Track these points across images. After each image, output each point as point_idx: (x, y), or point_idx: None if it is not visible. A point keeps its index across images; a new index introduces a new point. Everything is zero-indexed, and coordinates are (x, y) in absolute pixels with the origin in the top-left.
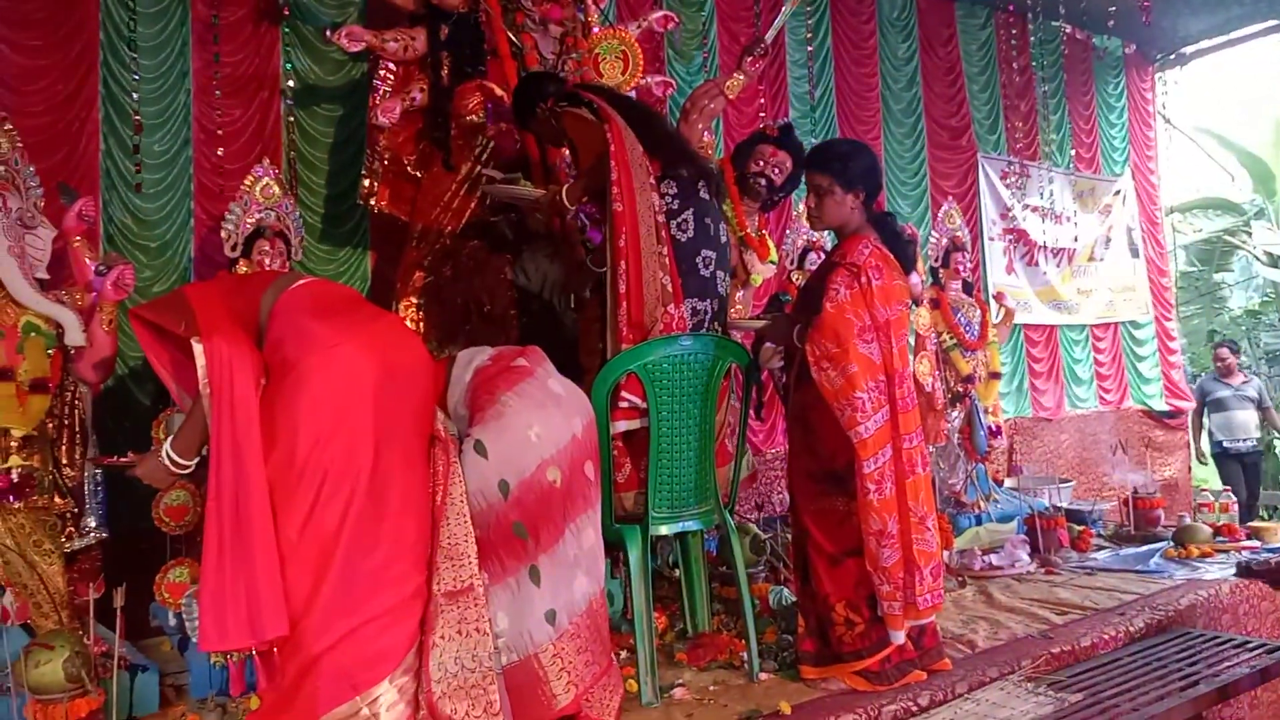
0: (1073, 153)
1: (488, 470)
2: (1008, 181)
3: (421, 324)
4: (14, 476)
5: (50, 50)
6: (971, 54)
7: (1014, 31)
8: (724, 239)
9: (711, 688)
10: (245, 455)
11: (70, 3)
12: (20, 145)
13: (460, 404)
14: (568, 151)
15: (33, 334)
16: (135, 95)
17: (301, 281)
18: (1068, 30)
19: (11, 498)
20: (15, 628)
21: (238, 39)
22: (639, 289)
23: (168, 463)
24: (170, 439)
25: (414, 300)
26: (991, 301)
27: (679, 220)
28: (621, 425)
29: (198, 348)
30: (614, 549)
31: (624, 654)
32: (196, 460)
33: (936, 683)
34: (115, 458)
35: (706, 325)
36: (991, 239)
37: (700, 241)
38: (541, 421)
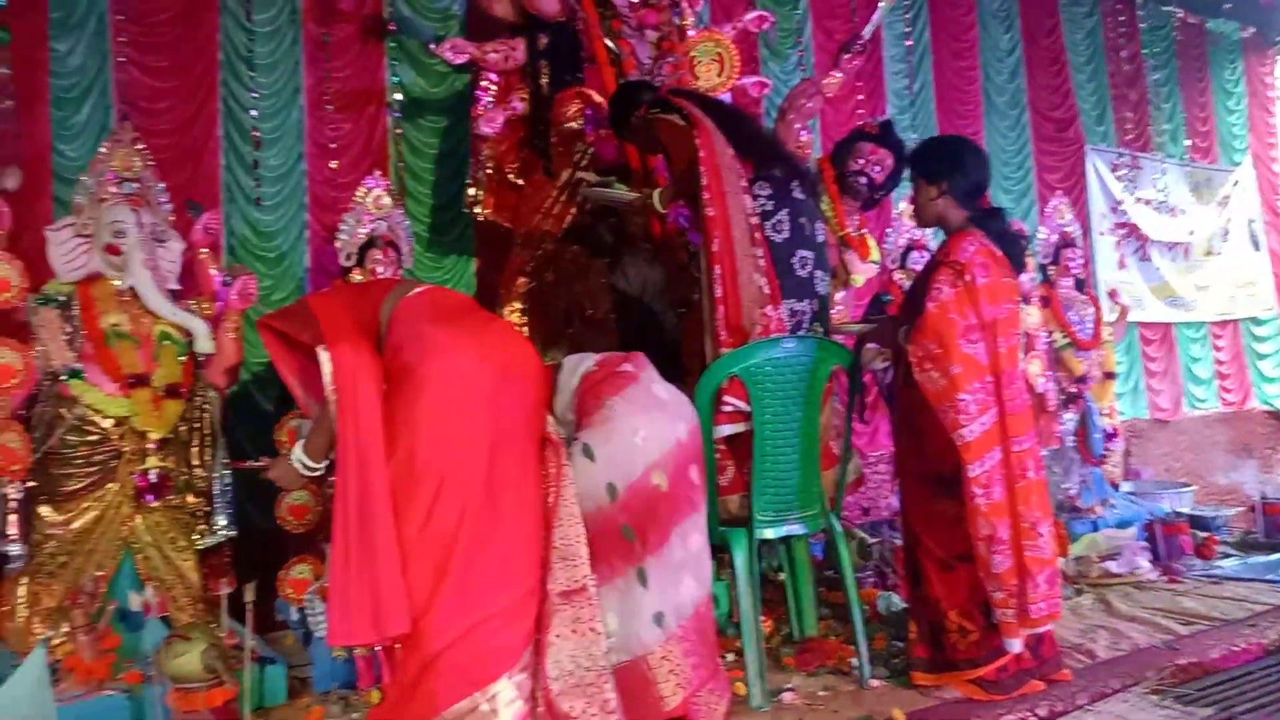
0: (1188, 143)
1: (595, 473)
2: (1118, 174)
3: (525, 328)
4: (152, 477)
5: (175, 72)
6: (1077, 43)
7: (1122, 19)
8: (821, 238)
9: (821, 693)
10: (369, 459)
11: (193, 25)
12: (151, 163)
13: (567, 409)
14: (663, 157)
15: (166, 342)
16: (254, 112)
17: (419, 289)
18: (1179, 15)
19: (150, 497)
20: (155, 620)
21: (346, 55)
22: (735, 292)
23: (298, 466)
24: (300, 443)
25: (517, 305)
26: (1105, 299)
27: (773, 221)
28: (725, 429)
29: (323, 355)
30: (719, 552)
31: (730, 657)
32: (325, 463)
33: (1055, 693)
34: (249, 461)
35: (806, 326)
36: (1101, 234)
37: (796, 242)
38: (647, 426)
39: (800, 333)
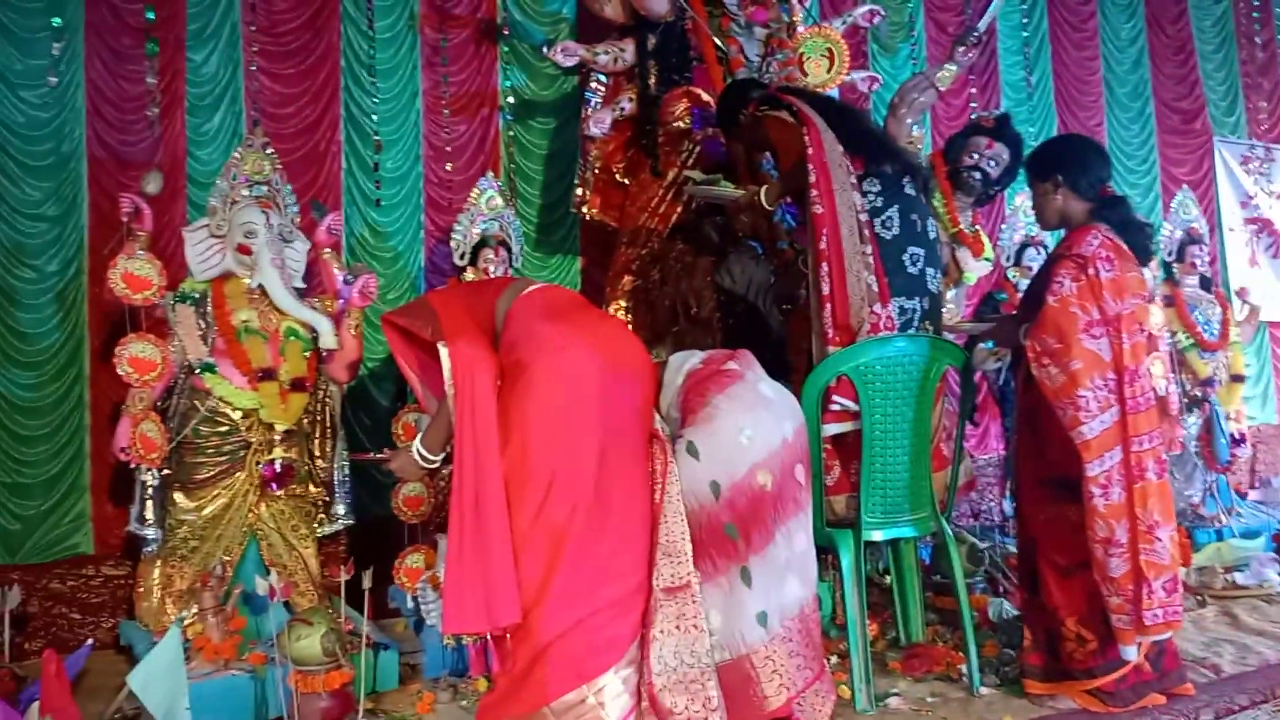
0: None
1: (699, 471)
2: (1249, 167)
3: (630, 326)
4: (277, 467)
5: (300, 78)
6: (1205, 30)
7: (1255, 3)
8: (934, 235)
9: (929, 699)
10: (484, 453)
11: (316, 32)
12: (279, 167)
13: (673, 407)
14: (769, 155)
15: (292, 338)
16: (374, 116)
17: (534, 287)
18: None
19: (274, 486)
20: (278, 604)
21: (461, 59)
22: (843, 290)
23: (417, 458)
24: (419, 436)
25: (623, 303)
26: (1233, 298)
27: (883, 218)
28: (832, 429)
29: (443, 351)
30: (824, 553)
31: (834, 660)
32: (442, 455)
33: (1177, 708)
34: (371, 454)
35: (916, 324)
36: (1231, 230)
37: (906, 239)
38: (752, 424)
39: (911, 331)
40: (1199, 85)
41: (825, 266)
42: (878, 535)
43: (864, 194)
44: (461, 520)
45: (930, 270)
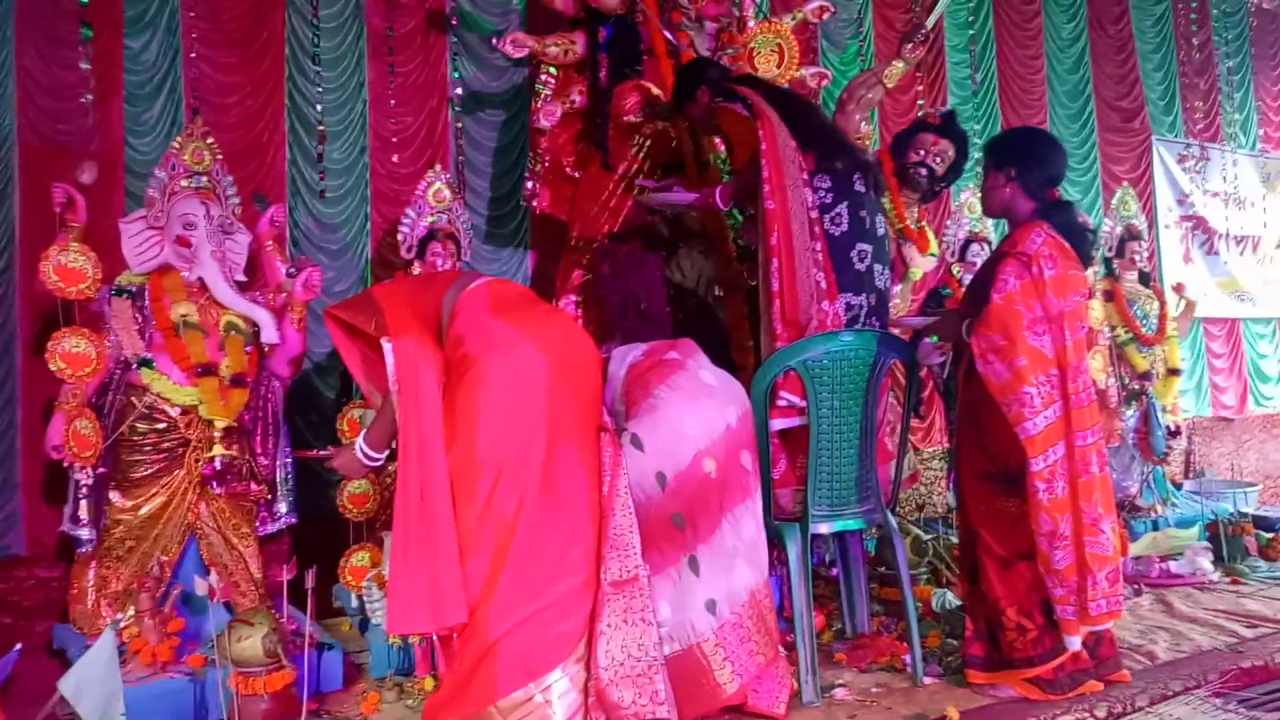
0: (1260, 132)
1: (645, 463)
2: (1185, 165)
3: (580, 320)
4: (217, 464)
5: (243, 67)
6: (1145, 31)
7: (1194, 4)
8: (882, 232)
9: (874, 690)
10: (430, 449)
11: (260, 20)
12: (220, 157)
13: (617, 400)
14: (720, 144)
15: (232, 332)
16: (318, 106)
17: (480, 281)
18: (1254, 1)
19: (215, 484)
20: (218, 604)
21: (409, 49)
22: (793, 286)
23: (361, 455)
24: (363, 433)
25: (573, 298)
26: (1170, 293)
27: (832, 214)
28: (779, 424)
29: (387, 346)
30: (772, 547)
31: (781, 652)
32: (387, 453)
33: (1114, 694)
34: (315, 451)
35: (863, 320)
36: (1167, 226)
37: (855, 235)
38: (694, 413)
39: (857, 326)
40: (1138, 85)
41: (775, 262)
42: (824, 528)
43: (815, 190)
44: (407, 518)
45: (878, 267)
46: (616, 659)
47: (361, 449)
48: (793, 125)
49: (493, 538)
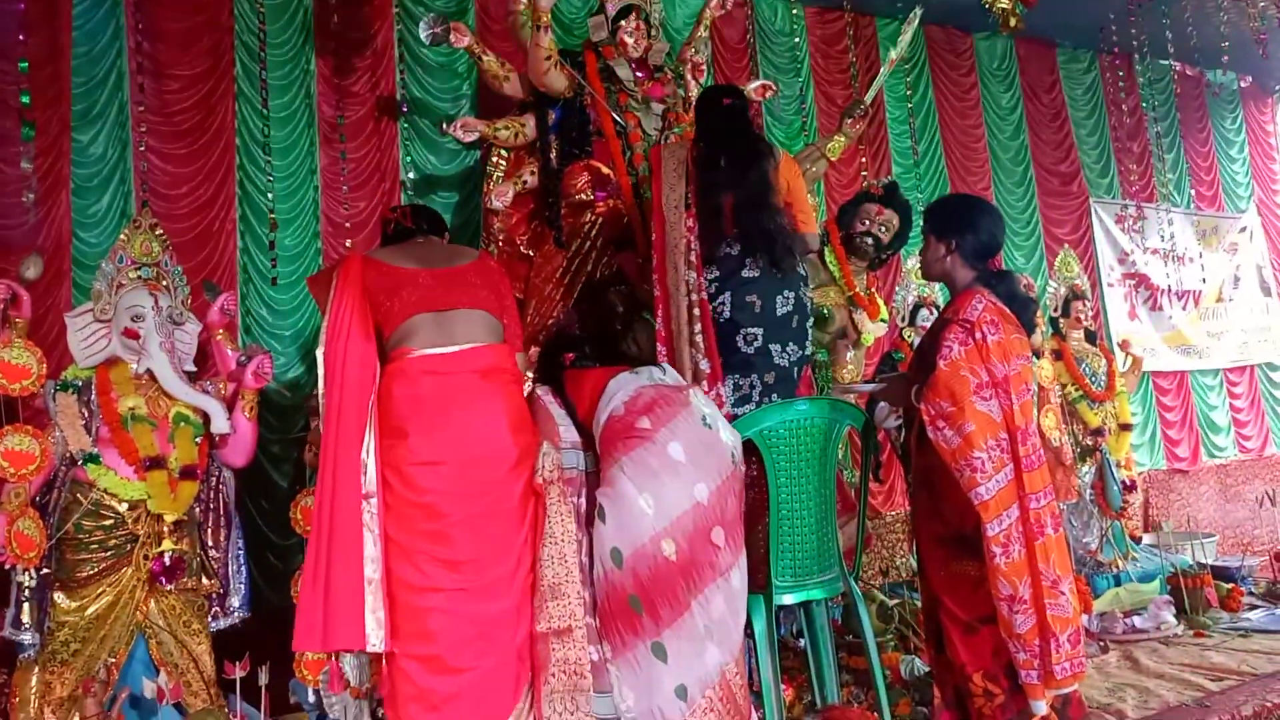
0: (1192, 191)
1: (605, 536)
2: (1123, 225)
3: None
4: (166, 560)
5: (193, 157)
6: (1077, 98)
7: (1120, 73)
8: (785, 310)
9: None
10: (342, 474)
11: (209, 111)
12: (169, 247)
13: (597, 439)
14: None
15: (182, 424)
16: (269, 195)
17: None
18: (1178, 68)
19: (164, 580)
20: (168, 706)
21: (360, 135)
22: (677, 366)
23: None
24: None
25: (529, 375)
26: (1116, 350)
27: (716, 304)
28: None
29: (318, 354)
30: None
31: None
32: None
33: None
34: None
35: (756, 400)
36: (1110, 285)
37: (739, 322)
38: (654, 490)
39: (749, 405)
40: (1074, 150)
41: (663, 349)
42: (789, 599)
43: (705, 278)
44: (316, 541)
45: (775, 346)
46: (558, 711)
47: None
48: (715, 195)
49: (421, 612)
